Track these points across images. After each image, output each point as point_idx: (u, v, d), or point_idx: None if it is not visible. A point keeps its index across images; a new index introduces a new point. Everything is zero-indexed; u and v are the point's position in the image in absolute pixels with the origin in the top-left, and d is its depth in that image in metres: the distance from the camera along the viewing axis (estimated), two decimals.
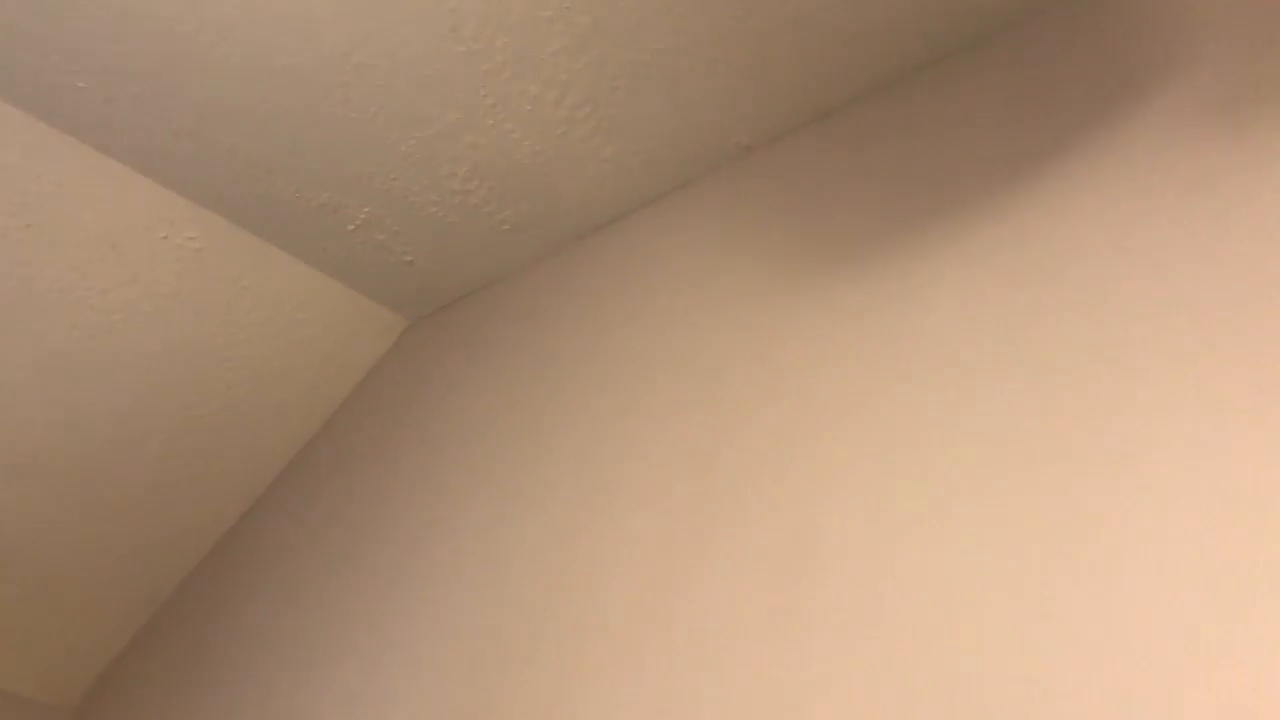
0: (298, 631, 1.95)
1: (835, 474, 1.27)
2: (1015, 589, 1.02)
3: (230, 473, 2.21)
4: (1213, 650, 0.87)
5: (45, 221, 1.84)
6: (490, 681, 1.55)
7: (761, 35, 1.49)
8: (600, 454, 1.60)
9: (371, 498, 2.02)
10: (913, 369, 1.27)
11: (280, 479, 2.22)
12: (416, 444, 2.00)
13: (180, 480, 2.21)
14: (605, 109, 1.61)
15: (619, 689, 1.34)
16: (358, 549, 1.96)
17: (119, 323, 1.98)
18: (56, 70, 1.65)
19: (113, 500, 2.19)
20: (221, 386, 2.11)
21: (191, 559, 2.31)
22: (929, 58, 1.50)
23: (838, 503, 1.24)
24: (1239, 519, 0.92)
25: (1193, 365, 1.03)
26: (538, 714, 1.39)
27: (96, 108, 1.71)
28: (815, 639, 1.14)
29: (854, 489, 1.24)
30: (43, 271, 1.89)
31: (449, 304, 2.12)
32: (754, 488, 1.34)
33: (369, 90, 1.63)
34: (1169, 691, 0.88)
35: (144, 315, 1.99)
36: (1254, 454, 0.94)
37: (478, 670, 1.58)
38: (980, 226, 1.34)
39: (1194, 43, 1.26)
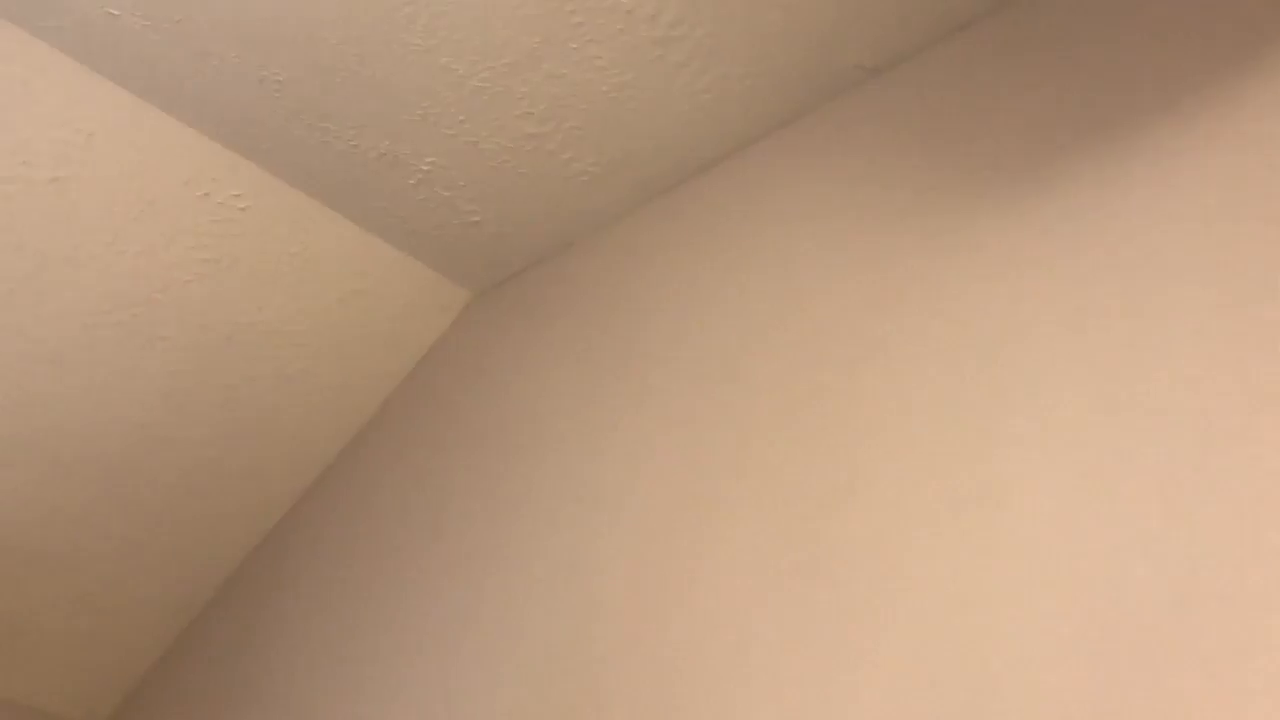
0: (348, 639, 1.73)
1: (1004, 423, 1.04)
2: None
3: (276, 463, 2.01)
4: None
5: (74, 175, 1.65)
6: (569, 688, 1.32)
7: None
8: (702, 432, 1.38)
9: (431, 490, 1.80)
10: (1084, 311, 1.03)
11: (330, 470, 2.01)
12: (481, 430, 1.79)
13: (220, 474, 2.00)
14: (707, 26, 1.40)
15: (724, 701, 1.11)
16: (416, 547, 1.75)
17: (155, 294, 1.79)
18: None
19: (146, 497, 1.99)
20: (268, 367, 1.91)
21: (230, 562, 2.10)
22: None
23: (1021, 460, 1.00)
24: None
25: None
26: None
27: (132, 40, 1.52)
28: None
29: (1034, 441, 1.00)
30: (71, 232, 1.70)
31: (518, 273, 1.91)
32: (912, 457, 1.11)
33: (436, 10, 1.43)
34: None
35: (182, 285, 1.79)
36: None
37: (553, 677, 1.36)
38: (1164, 136, 1.10)
39: None
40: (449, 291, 1.94)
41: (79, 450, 1.91)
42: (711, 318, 1.47)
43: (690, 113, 1.52)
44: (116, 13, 1.49)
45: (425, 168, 1.68)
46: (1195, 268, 0.98)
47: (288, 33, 1.49)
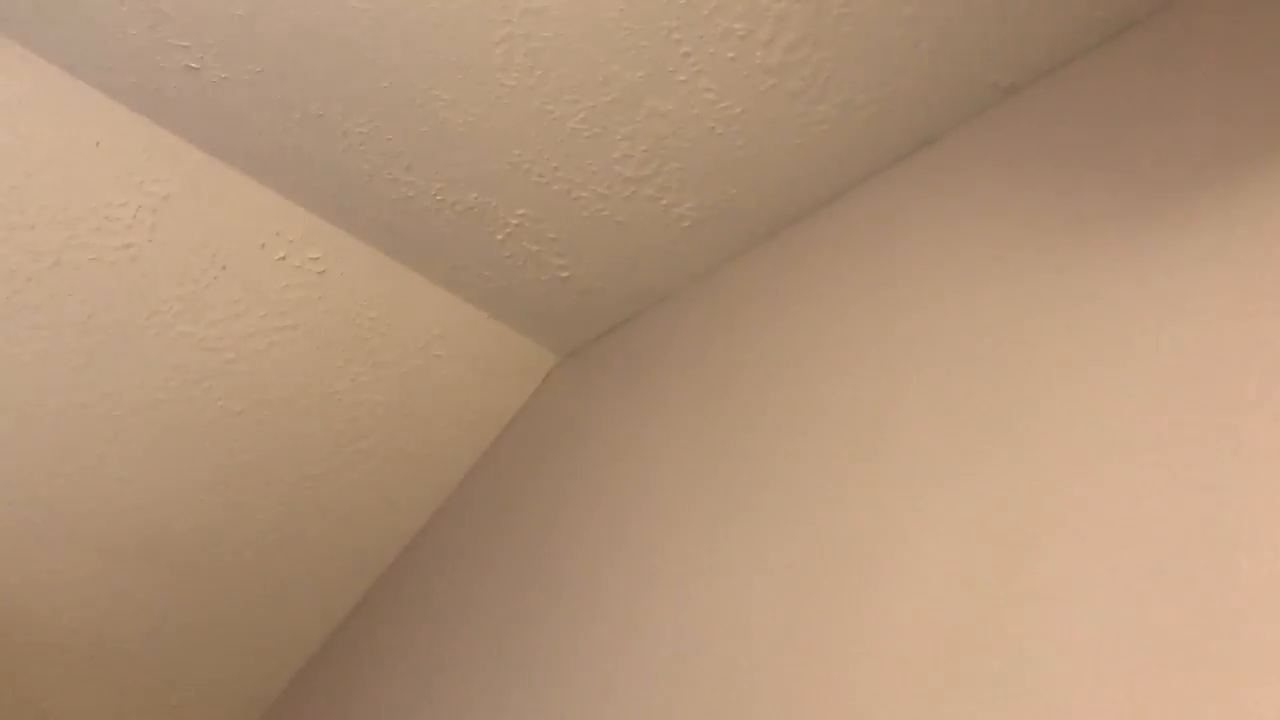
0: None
1: (1175, 459, 0.90)
2: None
3: (353, 543, 1.88)
4: None
5: (147, 241, 1.57)
6: None
7: None
8: (841, 502, 1.24)
9: (518, 568, 1.67)
10: (1246, 336, 0.91)
11: (407, 550, 1.88)
12: (571, 502, 1.66)
13: (294, 555, 1.88)
14: (827, 50, 1.30)
15: None
16: (505, 629, 1.61)
17: (228, 363, 1.68)
18: (165, 46, 1.38)
19: (215, 583, 1.87)
20: (346, 438, 1.79)
21: (305, 649, 1.96)
22: None
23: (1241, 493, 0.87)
24: None
25: None
26: None
27: (210, 94, 1.44)
28: None
29: (1189, 481, 0.86)
30: (142, 303, 1.60)
31: (606, 331, 1.80)
32: (1085, 491, 0.97)
33: (534, 46, 1.34)
34: None
35: (257, 354, 1.69)
36: None
37: None
38: None
39: None
40: (534, 354, 1.83)
41: (143, 535, 1.79)
42: (837, 366, 1.35)
43: (804, 146, 1.42)
44: (196, 66, 1.41)
45: (514, 220, 1.58)
46: None
47: (372, 81, 1.40)
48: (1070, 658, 0.91)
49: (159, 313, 1.62)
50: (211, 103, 1.46)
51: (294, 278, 1.65)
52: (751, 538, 1.31)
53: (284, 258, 1.63)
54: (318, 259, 1.64)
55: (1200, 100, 1.15)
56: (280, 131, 1.49)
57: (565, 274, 1.67)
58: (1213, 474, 0.91)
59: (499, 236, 1.62)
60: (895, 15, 1.26)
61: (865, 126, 1.38)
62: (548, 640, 1.48)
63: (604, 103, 1.40)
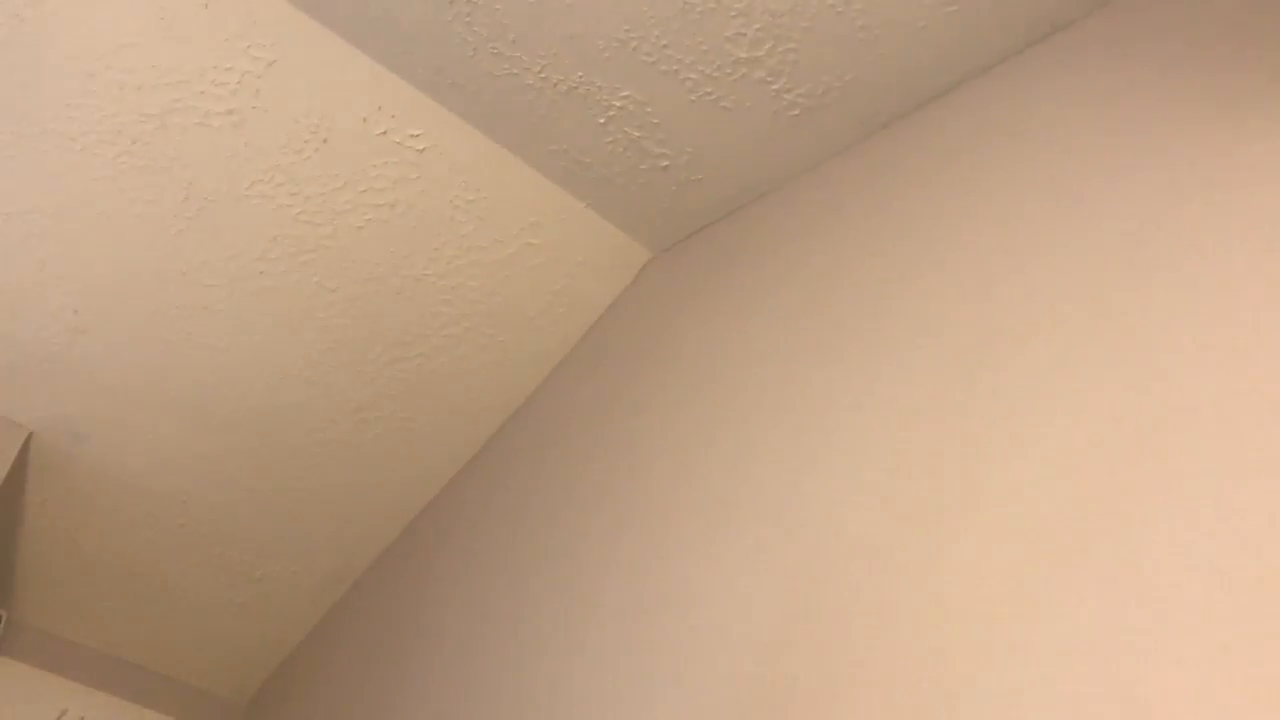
0: (510, 621, 1.59)
1: None
2: None
3: (439, 429, 1.88)
4: None
5: (251, 107, 1.56)
6: (794, 661, 1.14)
7: None
8: (948, 390, 1.19)
9: (606, 467, 1.65)
10: None
11: (495, 439, 1.88)
12: (662, 402, 1.64)
13: (380, 438, 1.89)
14: None
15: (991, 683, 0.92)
16: (586, 526, 1.60)
17: (325, 238, 1.68)
18: None
19: (300, 458, 1.89)
20: (437, 322, 1.79)
21: (387, 534, 1.98)
22: None
23: None
24: None
25: None
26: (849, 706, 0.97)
27: None
28: None
29: None
30: (243, 171, 1.60)
31: (703, 227, 1.76)
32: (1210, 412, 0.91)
33: None
34: None
35: (353, 230, 1.68)
36: None
37: (777, 646, 1.18)
38: None
39: None
40: (629, 248, 1.80)
41: (234, 405, 1.81)
42: (947, 278, 1.29)
43: (929, 27, 1.35)
44: None
45: (618, 103, 1.55)
46: None
47: None
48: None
49: (260, 182, 1.62)
50: None
51: (394, 154, 1.63)
52: (843, 458, 1.27)
53: (385, 133, 1.61)
54: (418, 136, 1.63)
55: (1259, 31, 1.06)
56: (385, 2, 1.46)
57: (665, 163, 1.63)
58: None
59: (601, 120, 1.58)
60: None
61: (996, 5, 1.30)
62: (619, 551, 1.47)
63: None
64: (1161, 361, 1.00)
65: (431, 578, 1.80)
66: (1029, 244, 1.19)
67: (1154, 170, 1.12)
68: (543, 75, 1.53)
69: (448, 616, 1.70)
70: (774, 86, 1.47)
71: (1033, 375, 1.10)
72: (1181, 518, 0.88)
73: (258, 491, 1.88)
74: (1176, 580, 0.83)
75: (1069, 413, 1.05)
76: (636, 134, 1.59)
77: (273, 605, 2.00)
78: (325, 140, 1.60)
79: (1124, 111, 1.19)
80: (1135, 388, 1.01)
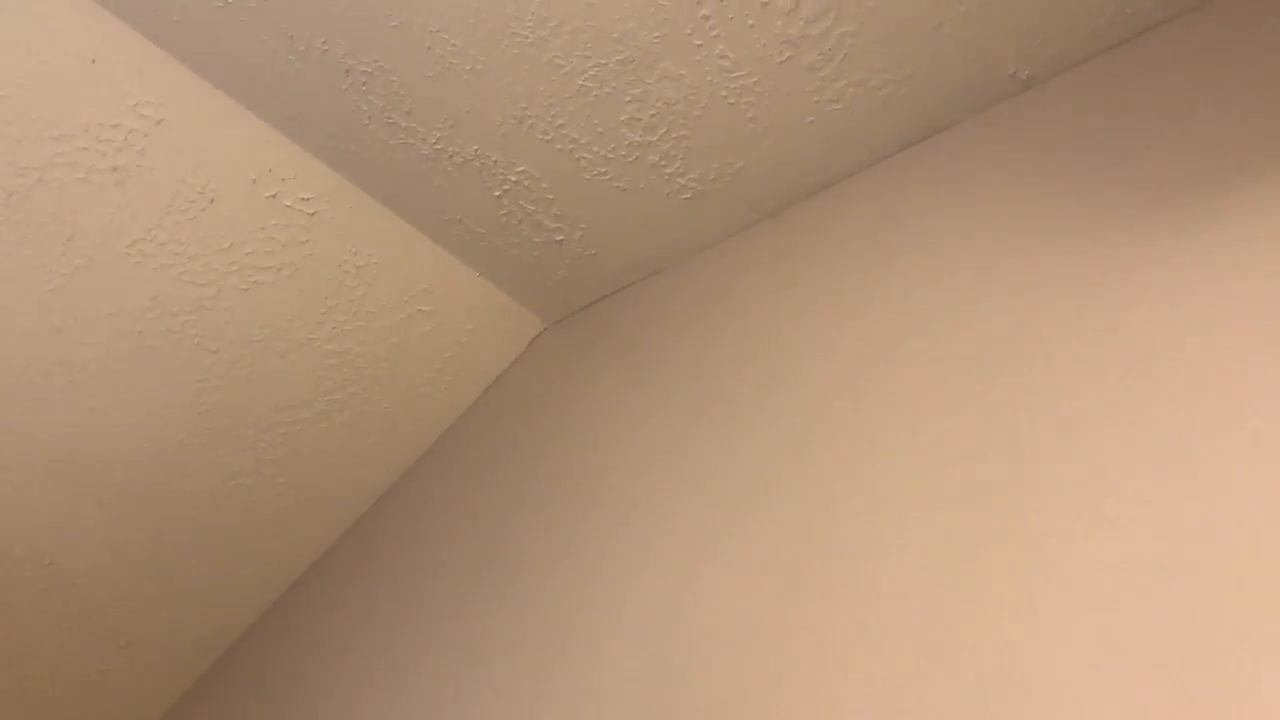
0: (393, 687, 1.55)
1: (1224, 461, 0.89)
2: None
3: (319, 496, 1.84)
4: None
5: (136, 165, 1.53)
6: None
7: None
8: (819, 478, 1.22)
9: (486, 540, 1.64)
10: (1250, 340, 0.89)
11: (383, 501, 1.85)
12: (548, 471, 1.63)
13: (257, 504, 1.84)
14: (850, 24, 1.28)
15: None
16: (459, 604, 1.58)
17: (208, 299, 1.65)
18: None
19: (173, 525, 1.83)
20: (322, 387, 1.76)
21: (262, 601, 1.92)
22: None
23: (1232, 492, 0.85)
24: None
25: None
26: None
27: (212, 19, 1.41)
28: None
29: (1250, 481, 0.85)
30: (128, 225, 1.56)
31: (596, 300, 1.77)
32: (1087, 499, 0.95)
33: None
34: None
35: (238, 292, 1.65)
36: None
37: None
38: None
39: None
40: (521, 318, 1.80)
41: (106, 468, 1.75)
42: (831, 355, 1.33)
43: (816, 123, 1.39)
44: None
45: (513, 177, 1.56)
46: None
47: (380, 17, 1.37)
48: (1062, 660, 0.90)
49: (141, 240, 1.58)
50: (214, 27, 1.42)
51: (284, 217, 1.61)
52: (735, 527, 1.29)
53: (275, 195, 1.59)
54: (309, 200, 1.61)
55: (1220, 105, 1.14)
56: (282, 63, 1.45)
57: (560, 237, 1.64)
58: (1213, 478, 0.89)
59: (496, 193, 1.59)
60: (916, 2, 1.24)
61: (879, 108, 1.35)
62: (507, 619, 1.46)
63: (616, 61, 1.37)
64: (1040, 452, 1.04)
65: (303, 648, 1.76)
66: (910, 330, 1.23)
67: (1025, 261, 1.17)
68: (438, 146, 1.53)
69: (319, 685, 1.66)
70: (667, 170, 1.50)
71: (917, 457, 1.13)
72: (1045, 614, 0.91)
73: (126, 556, 1.81)
74: (1046, 675, 0.86)
75: (954, 501, 1.08)
76: (531, 208, 1.60)
77: (138, 674, 1.93)
78: (213, 200, 1.57)
79: (994, 211, 1.24)
80: (1015, 479, 1.05)
